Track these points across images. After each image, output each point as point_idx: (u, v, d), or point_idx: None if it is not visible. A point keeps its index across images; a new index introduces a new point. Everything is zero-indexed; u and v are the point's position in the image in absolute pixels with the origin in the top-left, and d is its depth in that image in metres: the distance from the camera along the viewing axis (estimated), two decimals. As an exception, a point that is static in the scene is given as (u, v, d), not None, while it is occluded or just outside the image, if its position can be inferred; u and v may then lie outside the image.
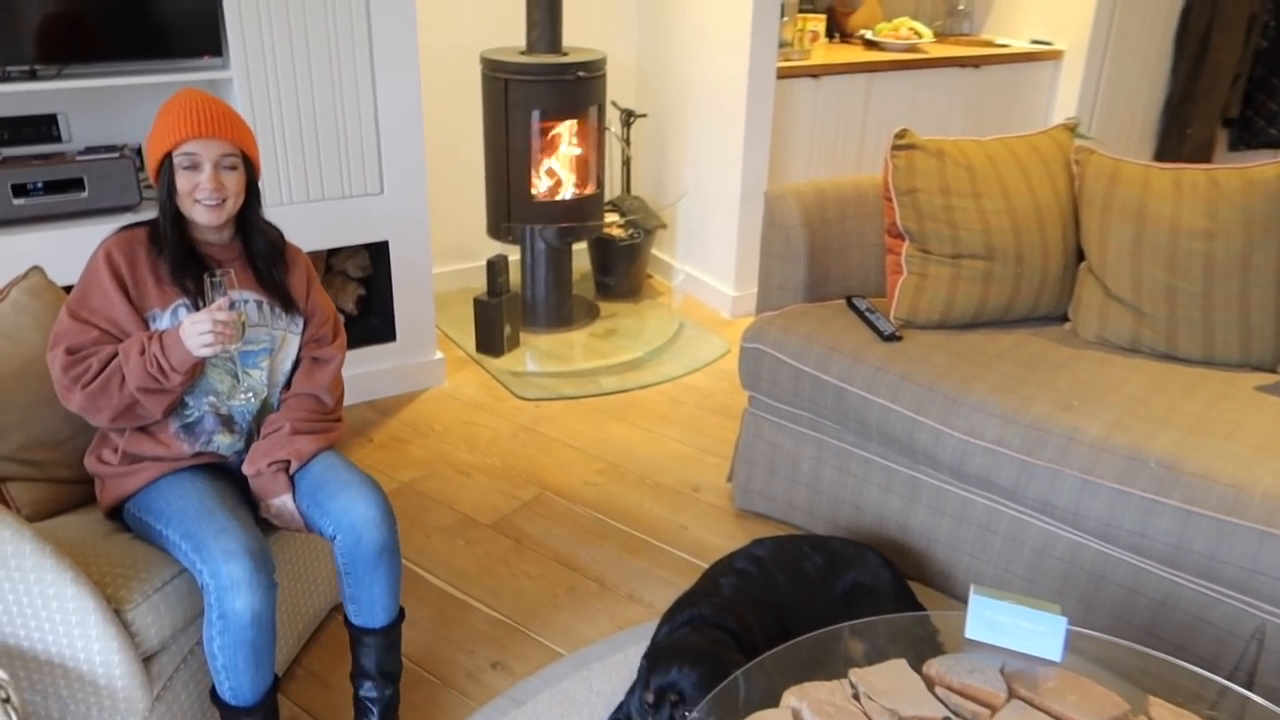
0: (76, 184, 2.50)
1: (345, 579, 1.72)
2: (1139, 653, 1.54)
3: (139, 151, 2.75)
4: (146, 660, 1.54)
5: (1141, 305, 2.20)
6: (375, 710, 1.78)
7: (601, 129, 3.53)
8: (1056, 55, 4.27)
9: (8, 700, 1.32)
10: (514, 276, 3.51)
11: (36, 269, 1.93)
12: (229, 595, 1.54)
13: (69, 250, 2.41)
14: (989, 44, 4.30)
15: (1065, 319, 2.38)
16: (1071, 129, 2.51)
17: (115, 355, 1.63)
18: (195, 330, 1.58)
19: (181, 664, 1.63)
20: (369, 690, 1.78)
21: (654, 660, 1.65)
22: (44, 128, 2.66)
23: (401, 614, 1.79)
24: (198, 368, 1.67)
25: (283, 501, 1.73)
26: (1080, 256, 2.36)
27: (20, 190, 2.44)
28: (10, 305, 1.83)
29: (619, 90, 3.92)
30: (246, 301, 1.75)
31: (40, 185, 2.47)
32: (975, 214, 2.29)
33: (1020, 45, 4.29)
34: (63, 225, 2.49)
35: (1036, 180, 2.35)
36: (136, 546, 1.65)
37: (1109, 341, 2.25)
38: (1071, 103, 4.27)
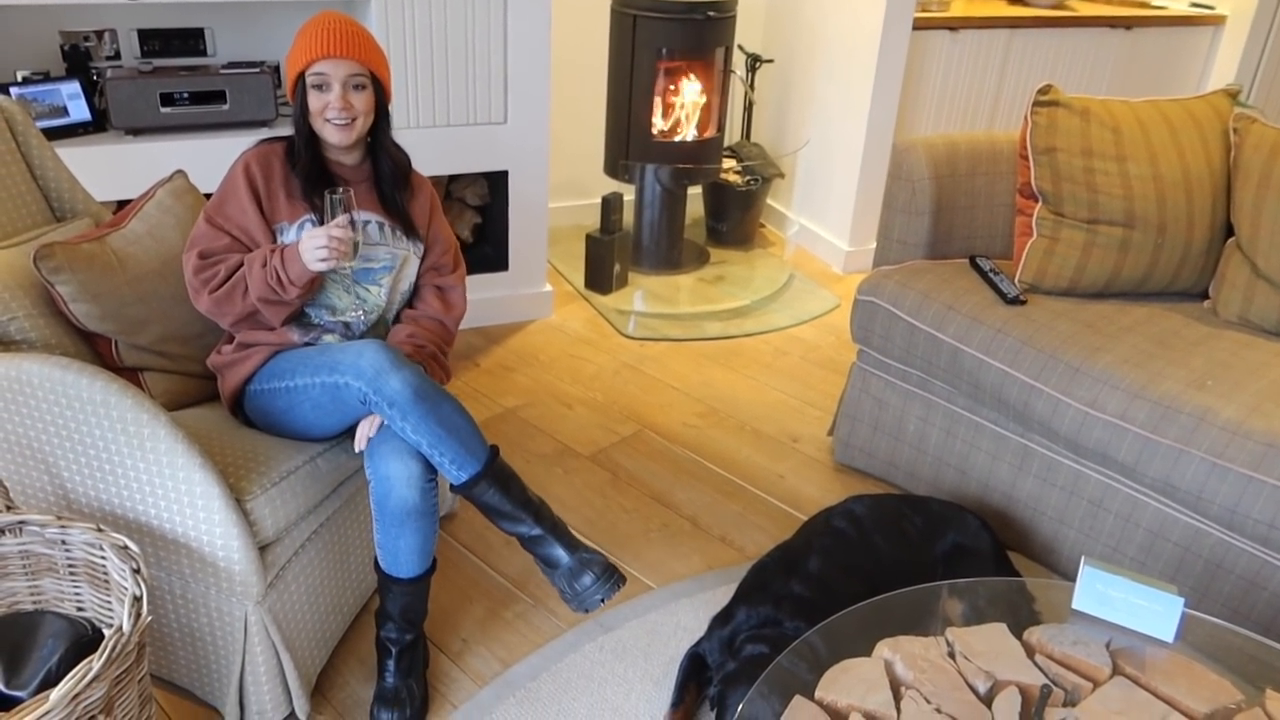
0: (219, 96, 2.60)
1: (375, 525, 1.69)
2: (1257, 644, 1.46)
3: (277, 69, 2.83)
4: (262, 549, 1.61)
5: (1293, 287, 2.06)
6: (394, 650, 1.75)
7: (727, 72, 3.47)
8: (1218, 20, 3.99)
9: (138, 571, 1.41)
10: (627, 216, 3.50)
11: (180, 172, 2.02)
12: (382, 380, 1.60)
13: (209, 158, 2.51)
14: (1144, 4, 4.04)
15: (1205, 296, 2.25)
16: (1233, 95, 2.34)
17: (242, 264, 1.71)
18: (312, 245, 1.63)
19: (294, 556, 1.71)
20: (390, 631, 1.74)
21: (730, 686, 1.60)
22: (192, 41, 2.76)
23: (433, 565, 1.74)
24: (316, 283, 1.72)
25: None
26: (1229, 231, 2.22)
27: (168, 99, 2.55)
28: (155, 205, 1.92)
29: (747, 34, 3.85)
30: (368, 222, 1.80)
31: (186, 96, 2.57)
32: (1118, 179, 2.17)
33: (1179, 8, 4.02)
34: (204, 135, 2.60)
35: (1189, 147, 2.21)
36: (259, 440, 1.73)
37: (1252, 323, 2.12)
38: (1230, 73, 3.99)
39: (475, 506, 1.70)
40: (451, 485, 1.69)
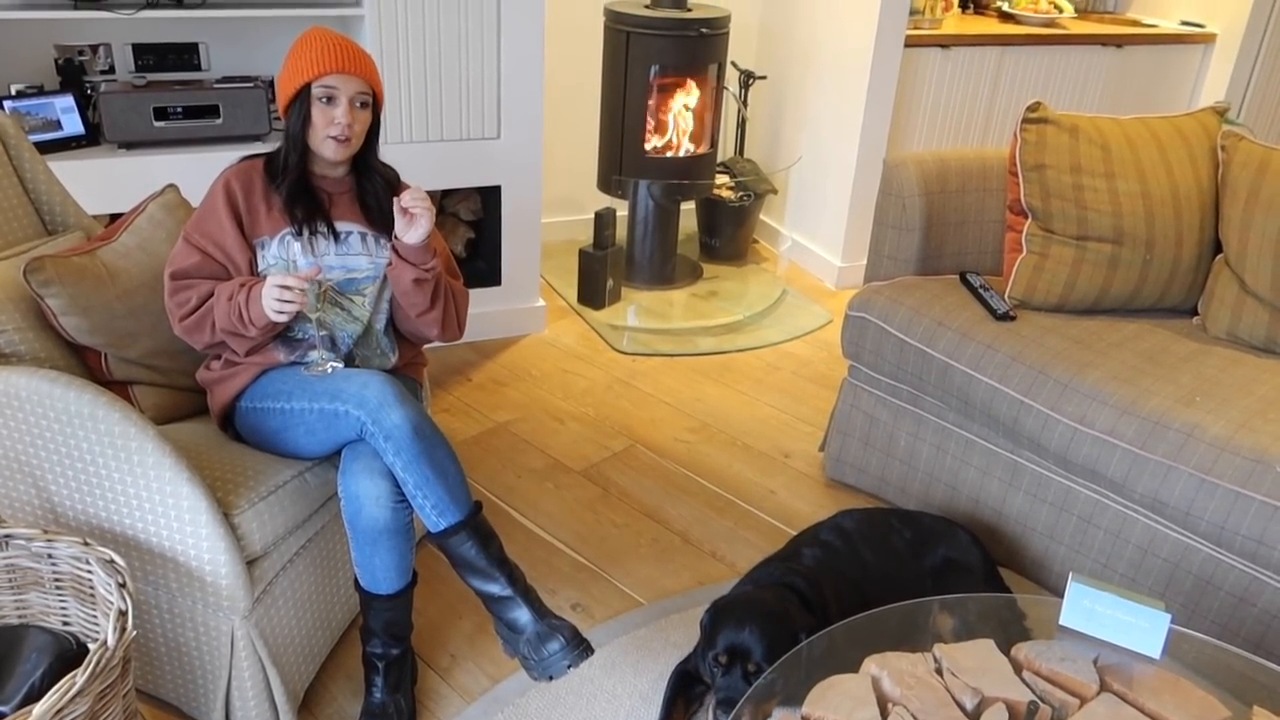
0: (213, 110, 2.61)
1: (350, 543, 1.67)
2: (1245, 661, 1.46)
3: (271, 83, 2.84)
4: (250, 563, 1.61)
5: (1281, 303, 2.07)
6: (381, 666, 1.73)
7: (720, 89, 3.49)
8: (1208, 39, 4.02)
9: (124, 585, 1.41)
10: (620, 231, 3.51)
11: (172, 186, 2.03)
12: (384, 414, 1.59)
13: (202, 173, 2.49)
14: (1135, 23, 4.08)
15: (1194, 313, 2.26)
16: (1221, 113, 2.36)
17: (213, 294, 1.70)
18: (270, 296, 1.61)
19: (281, 571, 1.70)
20: (375, 647, 1.73)
21: (720, 616, 1.64)
22: (186, 55, 2.77)
23: (413, 579, 1.72)
24: (278, 326, 1.70)
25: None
26: (1217, 248, 2.23)
27: (161, 114, 2.55)
28: (147, 219, 1.92)
29: (740, 50, 3.87)
30: (350, 233, 1.80)
31: (180, 110, 2.58)
32: (1106, 195, 2.19)
33: (1169, 26, 4.05)
34: (197, 150, 2.60)
35: (1177, 164, 2.23)
36: (246, 455, 1.72)
37: (1241, 340, 2.13)
38: (1220, 91, 4.02)
39: (448, 558, 1.66)
40: (428, 533, 1.66)
